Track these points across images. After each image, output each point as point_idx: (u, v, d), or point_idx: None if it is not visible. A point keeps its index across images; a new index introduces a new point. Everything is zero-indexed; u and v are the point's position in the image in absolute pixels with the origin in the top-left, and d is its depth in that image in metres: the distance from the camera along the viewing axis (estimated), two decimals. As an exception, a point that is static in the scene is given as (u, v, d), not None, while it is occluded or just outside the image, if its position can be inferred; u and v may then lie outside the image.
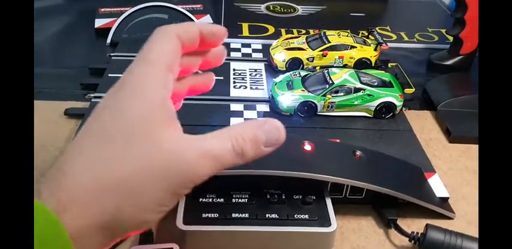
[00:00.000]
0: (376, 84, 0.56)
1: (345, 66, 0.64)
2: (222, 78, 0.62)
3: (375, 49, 0.65)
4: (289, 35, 0.70)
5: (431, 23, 0.85)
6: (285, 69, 0.64)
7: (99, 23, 0.76)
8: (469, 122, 0.55)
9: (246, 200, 0.40)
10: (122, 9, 0.77)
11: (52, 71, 0.65)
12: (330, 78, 0.55)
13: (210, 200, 0.40)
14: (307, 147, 0.42)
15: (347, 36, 0.66)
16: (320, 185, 0.42)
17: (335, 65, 0.64)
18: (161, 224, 0.41)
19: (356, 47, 0.64)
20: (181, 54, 0.33)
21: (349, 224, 0.43)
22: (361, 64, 0.64)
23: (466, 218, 0.44)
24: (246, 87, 0.61)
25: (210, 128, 0.52)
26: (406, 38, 0.79)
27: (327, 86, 0.55)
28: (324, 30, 0.67)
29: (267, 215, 0.39)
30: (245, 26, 0.79)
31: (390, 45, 0.68)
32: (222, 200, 0.40)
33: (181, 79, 0.36)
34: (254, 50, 0.71)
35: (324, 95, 0.55)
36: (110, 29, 0.72)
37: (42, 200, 0.25)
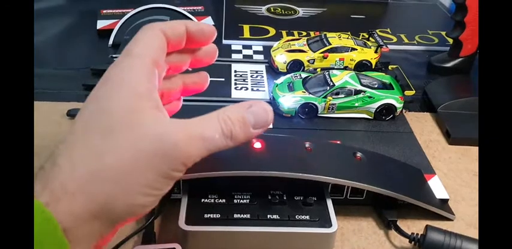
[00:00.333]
0: (376, 86, 0.57)
1: (345, 68, 0.64)
2: (223, 79, 0.62)
3: (376, 52, 0.65)
4: (290, 37, 0.70)
5: (431, 25, 0.86)
6: (285, 70, 0.64)
7: (101, 24, 0.76)
8: (469, 124, 0.55)
9: (248, 201, 0.40)
10: (124, 10, 0.77)
11: (54, 72, 0.65)
12: (331, 80, 0.56)
13: (212, 200, 0.40)
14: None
15: (348, 38, 0.66)
16: (321, 186, 0.42)
17: (336, 67, 0.64)
18: (163, 224, 0.42)
19: (356, 49, 0.64)
20: (166, 49, 0.33)
21: (350, 225, 0.43)
22: (361, 66, 0.64)
23: (465, 220, 0.45)
24: (247, 89, 0.61)
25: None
26: (406, 40, 0.80)
27: (328, 88, 0.55)
28: (325, 32, 0.67)
29: (268, 216, 0.39)
30: (246, 28, 0.80)
31: (390, 47, 0.69)
32: (223, 200, 0.40)
33: (171, 77, 0.37)
34: (255, 52, 0.71)
35: (325, 97, 0.55)
36: (111, 30, 0.73)
37: (36, 193, 0.26)
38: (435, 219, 0.44)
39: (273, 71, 0.65)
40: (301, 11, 0.88)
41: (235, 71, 0.65)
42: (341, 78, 0.56)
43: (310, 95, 0.55)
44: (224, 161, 0.39)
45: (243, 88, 0.61)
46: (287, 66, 0.64)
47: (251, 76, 0.64)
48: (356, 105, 0.56)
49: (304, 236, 0.38)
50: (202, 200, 0.40)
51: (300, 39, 0.68)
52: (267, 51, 0.69)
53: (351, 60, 0.64)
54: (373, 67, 0.65)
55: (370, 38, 0.68)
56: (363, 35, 0.78)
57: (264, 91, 0.61)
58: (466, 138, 0.55)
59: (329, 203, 0.41)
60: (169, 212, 0.40)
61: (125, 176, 0.27)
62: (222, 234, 0.38)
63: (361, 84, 0.56)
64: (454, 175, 0.50)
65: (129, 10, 0.74)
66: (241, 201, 0.40)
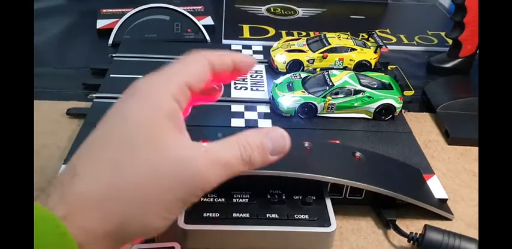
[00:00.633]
0: (375, 86, 0.57)
1: (345, 68, 0.64)
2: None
3: (375, 52, 0.65)
4: (290, 37, 0.70)
5: (430, 26, 0.86)
6: (285, 70, 0.64)
7: (101, 23, 0.76)
8: (468, 124, 0.56)
9: (247, 200, 0.40)
10: (124, 10, 0.77)
11: (54, 71, 0.65)
12: (330, 80, 0.56)
13: (211, 199, 0.40)
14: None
15: (347, 38, 0.66)
16: (320, 185, 0.42)
17: (335, 67, 0.64)
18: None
19: (356, 49, 0.65)
20: (205, 78, 0.32)
21: (349, 225, 0.43)
22: (361, 67, 0.65)
23: (464, 220, 0.45)
24: (246, 88, 0.61)
25: (211, 129, 0.54)
26: (405, 41, 0.80)
27: (327, 88, 0.55)
28: (324, 33, 0.67)
29: (267, 215, 0.39)
30: (246, 28, 0.80)
31: (390, 47, 0.69)
32: (223, 200, 0.40)
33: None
34: (255, 52, 0.71)
35: (324, 97, 0.55)
36: (111, 29, 0.73)
37: (51, 205, 0.25)
38: (434, 219, 0.44)
39: (272, 71, 0.65)
40: (301, 11, 0.89)
41: (235, 71, 0.65)
42: (340, 78, 0.56)
43: (310, 95, 0.56)
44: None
45: (243, 88, 0.61)
46: (287, 66, 0.64)
47: (251, 76, 0.64)
48: (355, 105, 0.56)
49: (303, 235, 0.39)
50: (202, 199, 0.40)
51: (299, 39, 0.68)
52: (266, 51, 0.69)
53: (350, 60, 0.64)
54: (373, 67, 0.65)
55: (370, 38, 0.68)
56: (362, 35, 0.78)
57: (263, 91, 0.61)
58: (465, 138, 0.55)
59: (328, 202, 0.41)
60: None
61: (144, 197, 0.27)
62: (221, 233, 0.38)
63: (361, 84, 0.56)
64: (453, 175, 0.51)
65: (129, 9, 0.74)
66: (241, 200, 0.40)
